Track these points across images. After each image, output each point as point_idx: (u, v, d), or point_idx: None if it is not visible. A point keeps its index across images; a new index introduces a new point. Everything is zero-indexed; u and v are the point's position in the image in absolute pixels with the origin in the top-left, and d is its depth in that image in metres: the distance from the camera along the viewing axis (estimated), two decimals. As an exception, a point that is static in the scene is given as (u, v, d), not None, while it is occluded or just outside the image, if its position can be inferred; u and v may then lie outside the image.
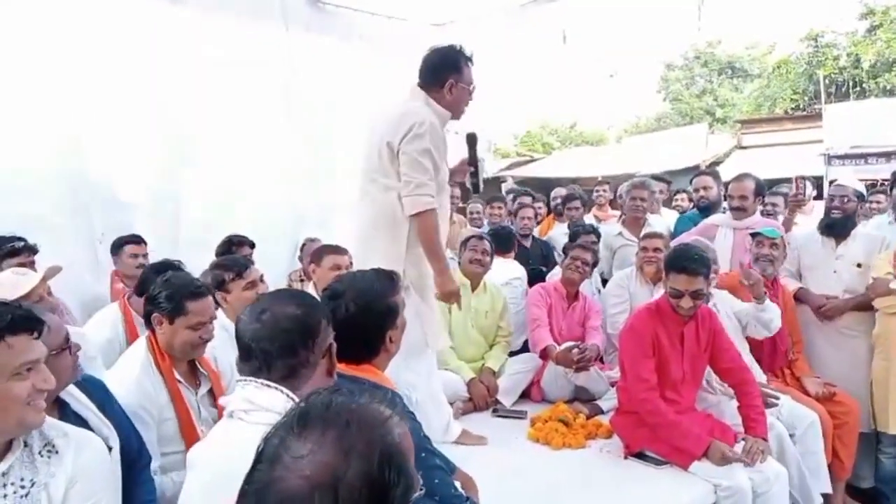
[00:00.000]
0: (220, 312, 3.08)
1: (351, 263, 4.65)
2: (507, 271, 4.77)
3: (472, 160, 3.29)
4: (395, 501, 0.95)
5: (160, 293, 2.50)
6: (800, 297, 4.13)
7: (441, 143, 3.03)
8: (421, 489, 1.04)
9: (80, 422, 1.96)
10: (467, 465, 2.44)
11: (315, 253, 4.16)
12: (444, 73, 3.05)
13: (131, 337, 3.26)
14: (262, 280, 3.31)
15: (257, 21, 5.45)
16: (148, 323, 2.56)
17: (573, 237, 4.95)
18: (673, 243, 4.50)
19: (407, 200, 2.95)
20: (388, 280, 2.18)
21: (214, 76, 5.13)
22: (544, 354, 4.06)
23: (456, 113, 3.13)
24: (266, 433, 1.00)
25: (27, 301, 2.62)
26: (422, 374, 3.19)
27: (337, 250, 4.02)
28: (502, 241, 4.84)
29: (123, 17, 4.68)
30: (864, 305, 3.90)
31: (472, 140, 3.28)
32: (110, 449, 1.95)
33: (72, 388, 2.06)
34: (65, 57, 4.42)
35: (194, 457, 1.74)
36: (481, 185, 3.37)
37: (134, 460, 2.17)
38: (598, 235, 5.06)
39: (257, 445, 0.99)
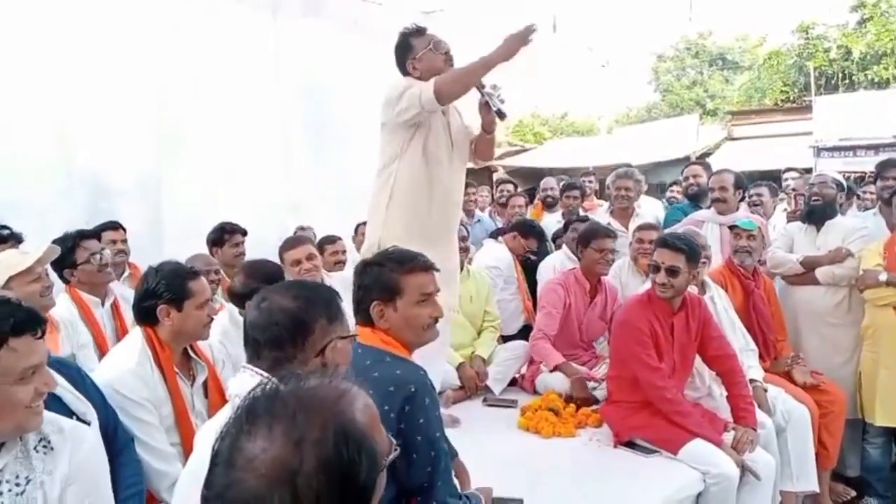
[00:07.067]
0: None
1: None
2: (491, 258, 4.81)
3: (480, 90, 3.07)
4: (362, 477, 0.91)
5: (159, 283, 2.45)
6: (808, 265, 4.02)
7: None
8: (396, 449, 1.00)
9: (56, 399, 1.90)
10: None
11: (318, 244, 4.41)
12: (403, 59, 3.21)
13: (86, 314, 3.22)
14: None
15: (244, 7, 5.40)
16: (145, 319, 2.48)
17: (566, 226, 4.94)
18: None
19: (426, 98, 2.92)
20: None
21: (202, 63, 5.11)
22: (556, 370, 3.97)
23: (437, 74, 3.07)
24: (218, 432, 0.95)
25: (28, 277, 2.64)
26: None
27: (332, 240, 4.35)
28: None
29: (110, 4, 4.64)
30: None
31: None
32: (88, 424, 1.92)
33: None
34: (51, 44, 4.40)
35: (197, 439, 1.78)
36: (504, 110, 3.11)
37: (111, 438, 2.13)
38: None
39: (212, 445, 0.95)
